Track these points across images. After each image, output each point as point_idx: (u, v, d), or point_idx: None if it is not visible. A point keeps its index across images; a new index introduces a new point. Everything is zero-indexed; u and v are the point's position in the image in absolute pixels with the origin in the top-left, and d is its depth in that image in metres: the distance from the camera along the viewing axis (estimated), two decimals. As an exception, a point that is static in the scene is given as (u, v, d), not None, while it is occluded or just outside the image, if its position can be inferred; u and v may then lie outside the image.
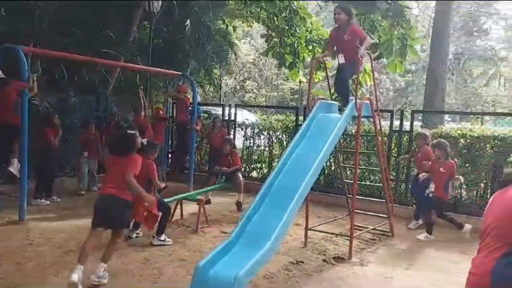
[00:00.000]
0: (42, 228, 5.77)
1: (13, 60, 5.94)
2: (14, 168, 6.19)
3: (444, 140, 6.36)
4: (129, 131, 4.54)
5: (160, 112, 9.15)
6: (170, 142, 10.05)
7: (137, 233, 5.63)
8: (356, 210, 5.63)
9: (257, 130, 9.81)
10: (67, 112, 8.55)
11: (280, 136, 9.45)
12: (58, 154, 7.74)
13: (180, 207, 6.55)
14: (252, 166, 9.82)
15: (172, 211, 6.25)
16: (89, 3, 8.84)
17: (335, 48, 5.51)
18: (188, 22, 10.66)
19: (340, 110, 5.42)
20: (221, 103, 16.25)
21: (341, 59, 5.38)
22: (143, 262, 4.76)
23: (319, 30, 11.18)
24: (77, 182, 8.06)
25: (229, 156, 7.30)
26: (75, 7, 8.77)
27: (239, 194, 7.15)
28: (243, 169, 8.39)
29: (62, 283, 4.09)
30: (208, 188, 7.31)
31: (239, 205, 7.06)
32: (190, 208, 6.82)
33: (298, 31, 10.77)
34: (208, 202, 7.07)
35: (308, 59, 11.51)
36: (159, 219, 5.20)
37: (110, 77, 9.19)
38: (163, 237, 5.41)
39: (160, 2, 9.22)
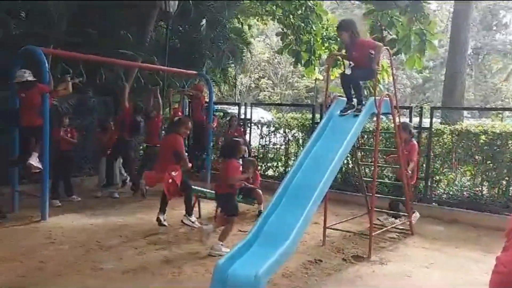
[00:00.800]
0: (63, 227, 5.86)
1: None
2: (33, 160, 6.27)
3: (408, 122, 6.63)
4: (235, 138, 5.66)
5: (179, 112, 9.15)
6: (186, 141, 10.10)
7: (164, 217, 5.82)
8: (375, 208, 5.58)
9: (273, 128, 9.80)
10: (86, 112, 8.67)
11: (296, 134, 9.43)
12: (73, 155, 7.73)
13: (198, 206, 6.59)
14: (268, 164, 9.82)
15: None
16: (106, 4, 8.93)
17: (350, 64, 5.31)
18: (204, 21, 10.69)
19: (342, 111, 5.24)
20: (237, 101, 16.28)
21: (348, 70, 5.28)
22: (163, 260, 4.79)
23: (335, 27, 11.10)
24: (99, 182, 8.17)
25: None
26: (92, 8, 8.88)
27: (259, 205, 6.86)
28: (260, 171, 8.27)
29: (83, 281, 4.16)
30: None
31: (260, 214, 6.89)
32: (207, 207, 6.85)
33: (314, 28, 10.70)
34: None
35: (324, 56, 11.44)
36: (181, 193, 5.70)
37: (127, 78, 9.25)
38: (193, 218, 5.70)
39: (177, 2, 9.27)
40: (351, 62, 5.21)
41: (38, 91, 6.13)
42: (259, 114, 11.80)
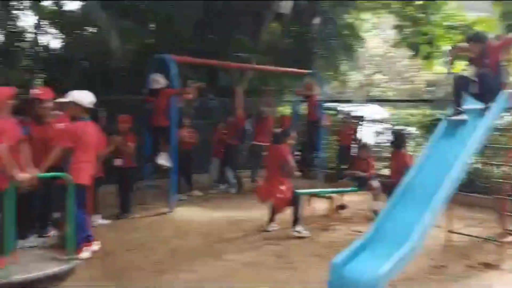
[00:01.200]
0: (188, 219, 6.37)
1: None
2: (163, 159, 6.94)
3: None
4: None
5: (286, 122, 9.09)
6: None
7: (273, 227, 5.90)
8: (507, 213, 5.07)
9: (389, 125, 9.44)
10: (207, 113, 9.28)
11: (415, 132, 8.94)
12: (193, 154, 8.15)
13: (311, 204, 6.65)
14: (383, 163, 9.48)
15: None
16: (224, 11, 9.45)
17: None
18: (316, 20, 10.70)
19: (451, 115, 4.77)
20: (349, 99, 15.96)
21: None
22: (277, 256, 4.95)
23: (458, 16, 10.25)
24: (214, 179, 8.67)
25: (364, 160, 6.94)
26: (212, 16, 9.46)
27: (375, 202, 6.63)
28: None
29: (208, 269, 4.49)
30: (340, 189, 7.22)
31: (375, 213, 6.70)
32: (319, 205, 6.87)
33: (434, 19, 10.02)
34: (343, 207, 6.95)
35: (446, 48, 10.62)
36: (291, 207, 5.64)
37: (242, 80, 9.69)
38: (300, 228, 5.62)
39: (291, 2, 9.42)
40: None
41: (166, 95, 6.76)
42: (373, 110, 11.45)
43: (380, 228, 3.91)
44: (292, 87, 11.41)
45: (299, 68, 9.44)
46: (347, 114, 9.33)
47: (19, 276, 3.69)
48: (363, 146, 7.31)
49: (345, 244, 5.06)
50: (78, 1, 9.58)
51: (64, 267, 4.02)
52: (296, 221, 5.65)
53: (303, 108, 9.87)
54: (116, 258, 4.72)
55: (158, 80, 6.84)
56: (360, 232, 5.75)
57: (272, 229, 5.86)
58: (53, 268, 3.94)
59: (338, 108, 11.26)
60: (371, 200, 6.69)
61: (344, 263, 3.56)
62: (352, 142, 9.45)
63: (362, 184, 6.76)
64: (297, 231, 5.59)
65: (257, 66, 9.29)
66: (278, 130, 6.07)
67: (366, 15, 13.49)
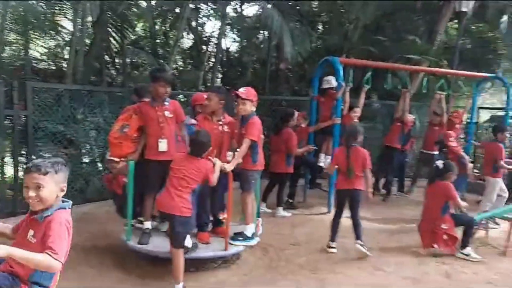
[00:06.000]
0: (345, 223, 6.26)
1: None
2: (322, 161, 7.06)
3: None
4: None
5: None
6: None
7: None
8: None
9: None
10: (370, 117, 9.06)
11: None
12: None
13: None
14: None
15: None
16: (398, 8, 9.07)
17: None
18: (504, 18, 9.47)
19: None
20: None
21: None
22: (444, 276, 4.56)
23: None
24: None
25: None
26: (383, 15, 9.19)
27: None
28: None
29: (364, 278, 4.41)
30: None
31: None
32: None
33: None
34: None
35: None
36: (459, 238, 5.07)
37: (412, 83, 9.13)
38: (467, 250, 5.06)
39: (473, 1, 8.56)
40: None
41: (330, 96, 6.88)
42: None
43: None
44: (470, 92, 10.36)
45: (479, 72, 8.50)
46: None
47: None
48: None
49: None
50: (256, 6, 10.29)
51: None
52: (464, 243, 5.10)
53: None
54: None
55: (329, 81, 7.00)
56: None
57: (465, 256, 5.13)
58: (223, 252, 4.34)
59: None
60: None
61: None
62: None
63: None
64: (465, 254, 5.04)
65: (427, 68, 8.67)
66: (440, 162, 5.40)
67: None
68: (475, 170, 7.99)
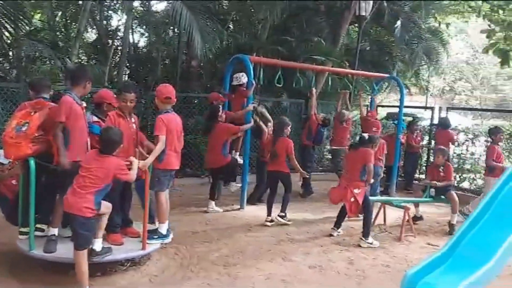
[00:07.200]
0: (258, 218, 6.42)
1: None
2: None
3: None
4: None
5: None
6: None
7: (338, 232, 5.83)
8: None
9: (471, 136, 8.89)
10: (279, 114, 9.33)
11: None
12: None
13: (384, 212, 6.45)
14: (464, 175, 8.93)
15: (375, 215, 6.27)
16: (303, 11, 9.46)
17: None
18: (398, 23, 10.34)
19: None
20: (429, 106, 15.23)
21: None
22: (347, 262, 4.86)
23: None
24: None
25: (441, 168, 6.45)
26: (290, 17, 9.52)
27: (452, 214, 6.31)
28: (454, 181, 7.51)
29: (275, 268, 4.53)
30: (415, 199, 6.94)
31: (451, 227, 6.26)
32: (393, 214, 6.64)
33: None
34: (419, 218, 6.65)
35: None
36: (362, 215, 5.58)
37: (317, 83, 9.60)
38: (370, 239, 5.46)
39: (371, 3, 9.21)
40: None
41: (240, 94, 6.91)
42: (455, 119, 10.82)
43: (460, 243, 3.69)
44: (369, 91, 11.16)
45: (377, 72, 9.20)
46: (417, 121, 8.94)
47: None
48: (439, 151, 6.60)
49: (419, 257, 4.91)
50: (165, 2, 10.08)
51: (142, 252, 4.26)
52: (366, 229, 5.50)
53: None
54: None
55: (238, 78, 6.98)
56: (436, 246, 5.53)
57: (336, 234, 5.79)
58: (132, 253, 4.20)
59: (418, 115, 10.79)
60: (451, 212, 6.34)
61: (418, 276, 3.41)
62: (421, 148, 9.21)
63: (438, 194, 6.40)
64: (368, 242, 5.43)
65: (332, 68, 9.18)
66: (368, 135, 5.89)
67: (451, 19, 12.82)
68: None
